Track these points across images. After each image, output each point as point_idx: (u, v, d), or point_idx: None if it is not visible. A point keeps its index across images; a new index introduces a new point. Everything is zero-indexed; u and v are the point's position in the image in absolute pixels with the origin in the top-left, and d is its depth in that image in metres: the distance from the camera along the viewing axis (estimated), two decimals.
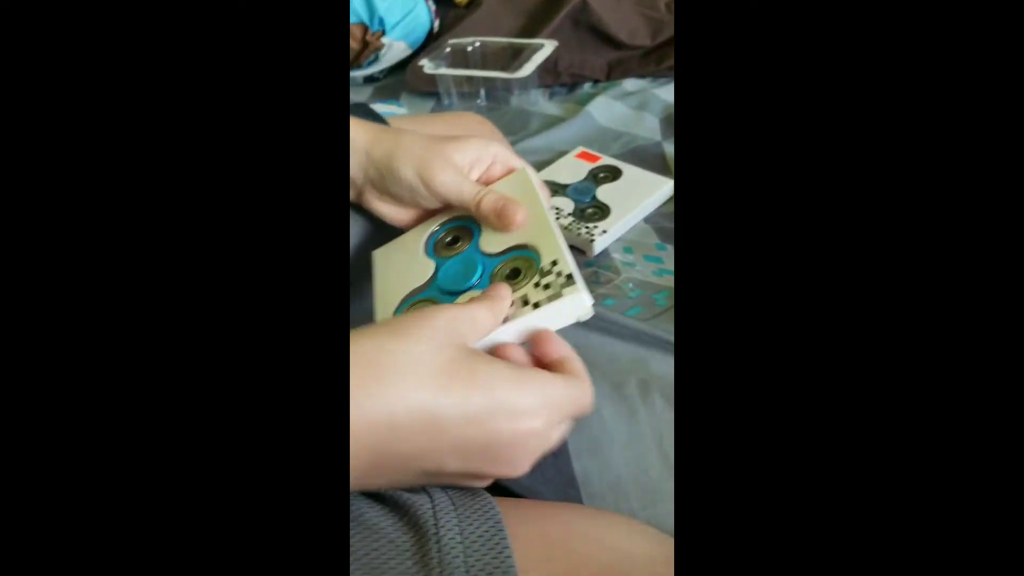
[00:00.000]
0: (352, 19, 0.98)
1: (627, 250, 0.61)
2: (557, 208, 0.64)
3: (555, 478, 0.41)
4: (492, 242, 0.39)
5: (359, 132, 0.42)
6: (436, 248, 0.41)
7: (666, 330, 0.52)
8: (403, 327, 0.28)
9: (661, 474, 0.42)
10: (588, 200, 0.65)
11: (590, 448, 0.43)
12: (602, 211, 0.64)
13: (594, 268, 0.59)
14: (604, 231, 0.61)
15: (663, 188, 0.66)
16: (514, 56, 0.88)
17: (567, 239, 0.61)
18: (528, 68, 0.83)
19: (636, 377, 0.47)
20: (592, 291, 0.55)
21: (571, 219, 0.63)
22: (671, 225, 0.63)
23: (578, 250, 0.61)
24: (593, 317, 0.52)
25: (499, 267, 0.37)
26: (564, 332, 0.33)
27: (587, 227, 0.62)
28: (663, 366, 0.48)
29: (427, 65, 0.89)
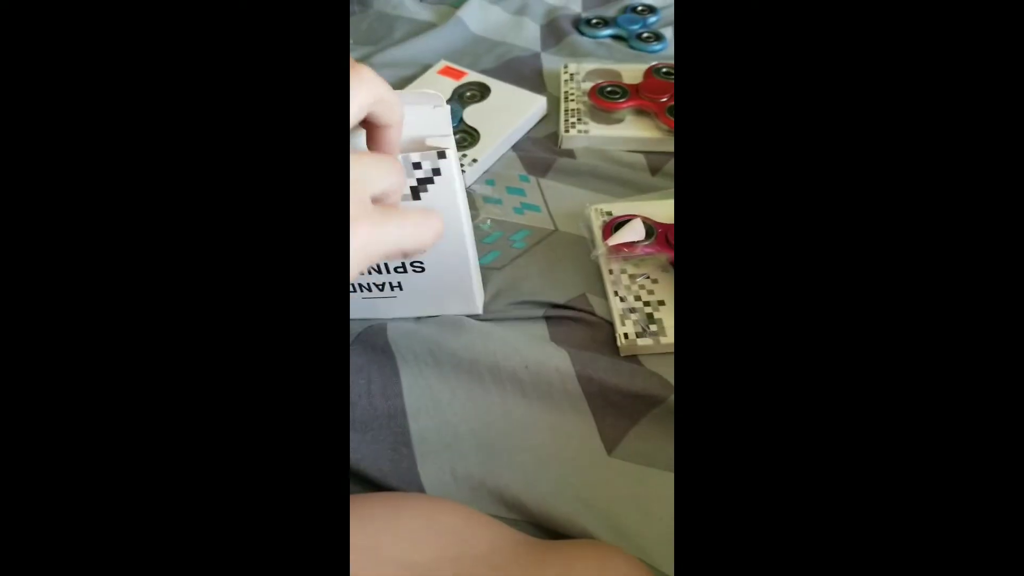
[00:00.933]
0: None
1: (489, 182, 0.56)
2: None
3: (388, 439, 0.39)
4: None
5: None
6: None
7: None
8: None
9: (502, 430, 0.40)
10: (455, 124, 0.60)
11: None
12: (471, 136, 0.59)
13: None
14: (474, 160, 0.56)
15: (535, 107, 0.61)
16: None
17: None
18: None
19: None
20: None
21: None
22: (539, 153, 0.59)
23: None
24: None
25: None
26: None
27: None
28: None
29: None
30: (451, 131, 0.36)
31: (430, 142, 0.34)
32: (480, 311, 0.45)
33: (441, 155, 0.35)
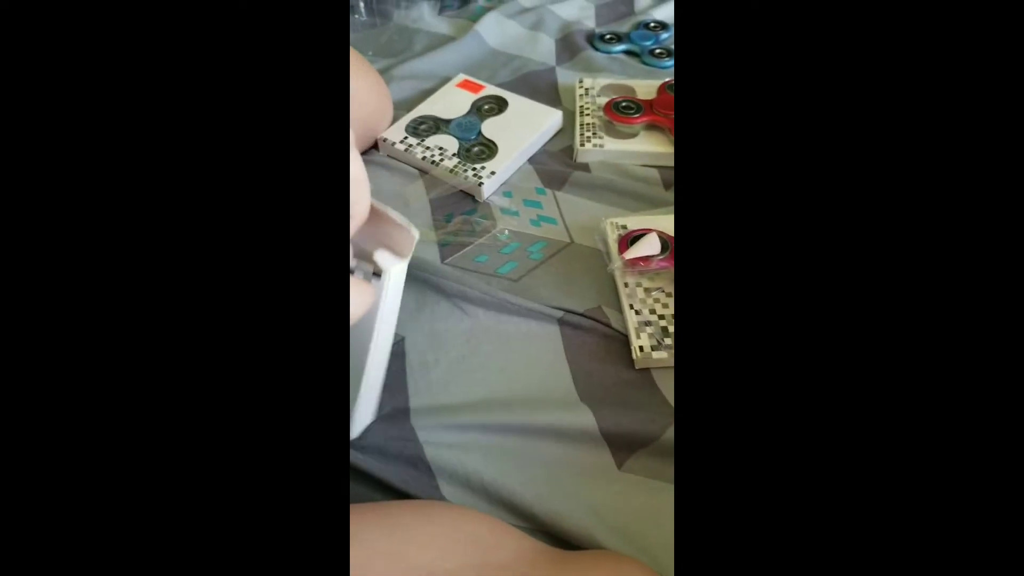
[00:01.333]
0: None
1: (507, 194, 0.57)
2: (441, 148, 0.59)
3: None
4: None
5: None
6: None
7: (529, 296, 0.49)
8: None
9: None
10: (474, 137, 0.61)
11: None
12: (489, 149, 0.60)
13: (468, 216, 0.55)
14: (493, 172, 0.57)
15: (551, 121, 0.63)
16: None
17: (453, 182, 0.57)
18: None
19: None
20: (466, 243, 0.52)
21: (456, 160, 0.58)
22: (555, 166, 0.60)
23: (467, 195, 0.57)
24: (463, 285, 0.48)
25: None
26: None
27: (474, 168, 0.58)
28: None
29: None
30: (408, 257, 0.32)
31: (378, 256, 0.31)
32: (354, 435, 0.40)
33: (376, 274, 0.32)
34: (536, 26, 0.77)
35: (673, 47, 0.73)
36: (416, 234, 0.31)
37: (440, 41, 0.75)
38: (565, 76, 0.70)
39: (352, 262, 0.32)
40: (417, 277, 0.49)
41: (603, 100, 0.64)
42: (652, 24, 0.76)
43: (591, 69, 0.71)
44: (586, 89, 0.66)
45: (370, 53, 0.74)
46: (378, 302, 0.32)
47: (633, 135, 0.62)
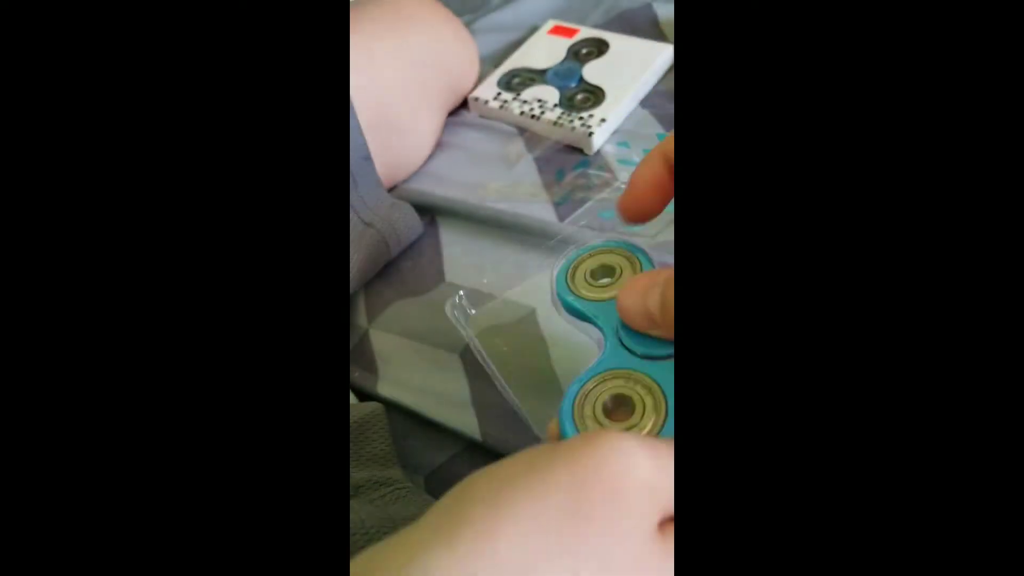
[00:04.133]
0: None
1: (622, 144, 0.50)
2: (540, 100, 0.53)
3: None
4: None
5: None
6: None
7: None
8: None
9: None
10: (575, 84, 0.54)
11: None
12: (594, 95, 0.53)
13: (583, 170, 0.48)
14: (603, 119, 0.50)
15: (660, 57, 0.55)
16: None
17: (557, 135, 0.51)
18: None
19: None
20: (585, 199, 0.46)
21: (559, 111, 0.51)
22: (672, 107, 0.52)
23: (575, 149, 0.50)
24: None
25: None
26: None
27: (581, 118, 0.50)
28: None
29: None
30: None
31: None
32: None
33: None
34: None
35: None
36: None
37: None
38: (666, 10, 0.62)
39: None
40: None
41: None
42: None
43: None
44: None
45: None
46: None
47: None
